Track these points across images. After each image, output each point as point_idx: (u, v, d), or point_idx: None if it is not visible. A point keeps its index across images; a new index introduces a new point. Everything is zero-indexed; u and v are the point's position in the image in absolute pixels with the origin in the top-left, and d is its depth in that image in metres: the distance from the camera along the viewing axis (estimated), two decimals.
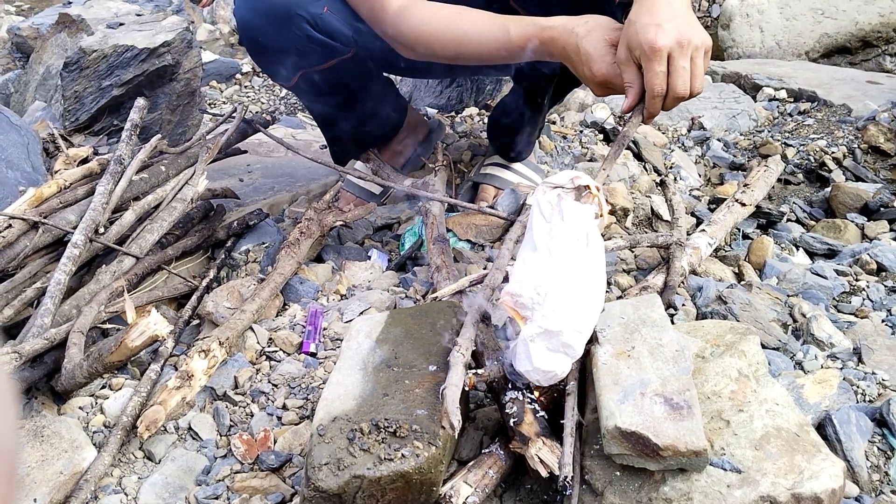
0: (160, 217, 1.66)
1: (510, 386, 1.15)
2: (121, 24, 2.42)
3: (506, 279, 1.29)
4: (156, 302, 1.59)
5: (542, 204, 1.14)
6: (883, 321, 1.53)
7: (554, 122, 2.55)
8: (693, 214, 2.05)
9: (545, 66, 1.69)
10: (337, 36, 1.64)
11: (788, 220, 2.05)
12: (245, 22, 1.65)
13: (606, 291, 1.64)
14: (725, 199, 1.94)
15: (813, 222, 2.06)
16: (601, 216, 1.15)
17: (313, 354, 1.48)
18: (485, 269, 1.58)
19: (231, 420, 1.34)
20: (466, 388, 1.11)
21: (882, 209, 2.01)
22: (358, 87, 1.84)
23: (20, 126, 2.10)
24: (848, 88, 2.77)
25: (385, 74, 1.99)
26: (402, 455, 1.03)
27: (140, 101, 1.90)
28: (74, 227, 1.56)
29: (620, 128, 1.39)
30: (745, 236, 1.94)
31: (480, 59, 1.54)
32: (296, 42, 1.63)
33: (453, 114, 2.68)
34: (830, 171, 2.25)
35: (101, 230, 1.59)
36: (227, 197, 2.00)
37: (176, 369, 1.39)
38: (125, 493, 1.22)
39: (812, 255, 1.89)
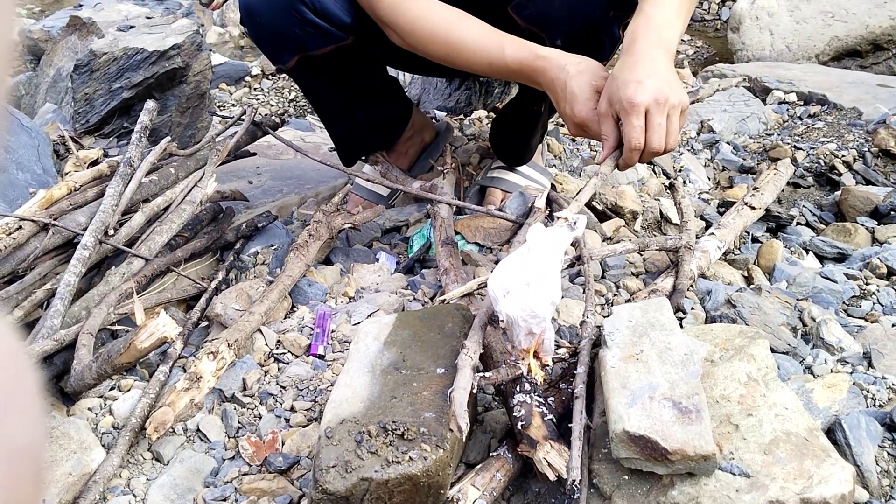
0: (169, 219, 1.67)
1: (518, 389, 1.14)
2: (131, 27, 2.43)
3: None
4: (165, 304, 1.60)
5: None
6: (893, 325, 1.52)
7: (563, 125, 2.55)
8: (702, 218, 2.04)
9: None
10: (335, 21, 1.66)
11: (798, 223, 2.04)
12: (247, 2, 1.67)
13: (614, 294, 1.65)
14: (735, 203, 1.93)
15: (823, 226, 2.05)
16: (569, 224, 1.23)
17: (321, 357, 1.48)
18: (492, 271, 1.58)
19: (239, 422, 1.35)
20: (474, 391, 1.11)
21: (892, 213, 2.00)
22: (358, 79, 1.84)
23: (31, 128, 2.11)
24: (858, 91, 2.76)
25: (389, 73, 1.99)
26: (410, 458, 1.03)
27: (150, 104, 1.90)
28: (84, 229, 1.57)
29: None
30: (755, 240, 1.94)
31: (470, 69, 1.58)
32: (294, 24, 1.65)
33: (461, 116, 2.68)
34: (840, 174, 2.24)
35: (111, 232, 1.59)
36: (236, 199, 2.00)
37: (184, 371, 1.40)
38: (133, 495, 1.22)
39: (822, 258, 1.88)
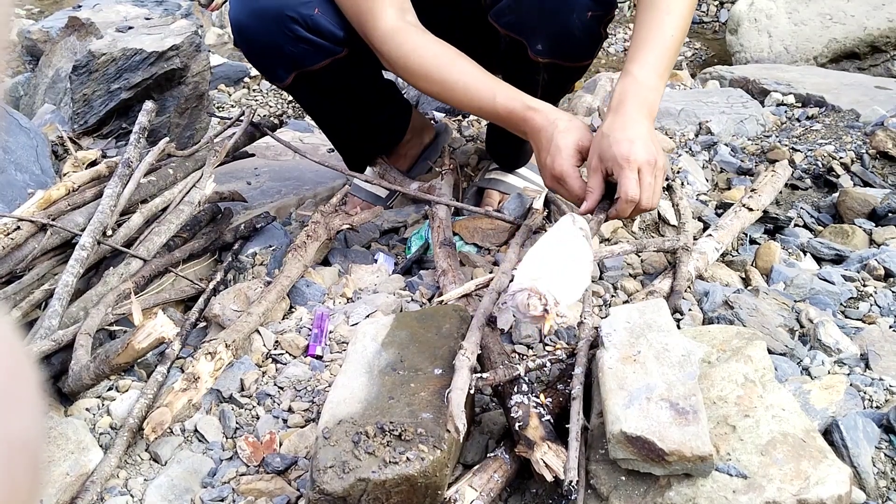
0: (168, 220, 1.67)
1: (516, 390, 1.15)
2: (130, 28, 2.43)
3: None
4: (163, 304, 1.60)
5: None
6: (891, 327, 1.52)
7: None
8: (700, 219, 2.04)
9: (530, 78, 1.70)
10: (328, 36, 1.66)
11: (796, 225, 2.04)
12: (238, 23, 1.68)
13: (612, 296, 1.66)
14: (733, 204, 1.93)
15: (820, 227, 2.05)
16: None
17: (319, 357, 1.48)
18: (491, 272, 1.58)
19: (237, 422, 1.35)
20: (472, 392, 1.11)
21: (890, 215, 2.00)
22: (356, 89, 1.84)
23: (29, 129, 2.11)
24: (856, 93, 2.76)
25: (387, 78, 2.00)
26: (407, 458, 1.03)
27: (148, 105, 1.90)
28: (82, 230, 1.57)
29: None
30: (753, 241, 1.94)
31: (460, 108, 1.67)
32: (287, 43, 1.66)
33: (460, 117, 2.68)
34: (838, 176, 2.24)
35: (109, 232, 1.59)
36: (234, 200, 2.00)
37: (182, 371, 1.40)
38: (131, 495, 1.22)
39: (819, 260, 1.88)
